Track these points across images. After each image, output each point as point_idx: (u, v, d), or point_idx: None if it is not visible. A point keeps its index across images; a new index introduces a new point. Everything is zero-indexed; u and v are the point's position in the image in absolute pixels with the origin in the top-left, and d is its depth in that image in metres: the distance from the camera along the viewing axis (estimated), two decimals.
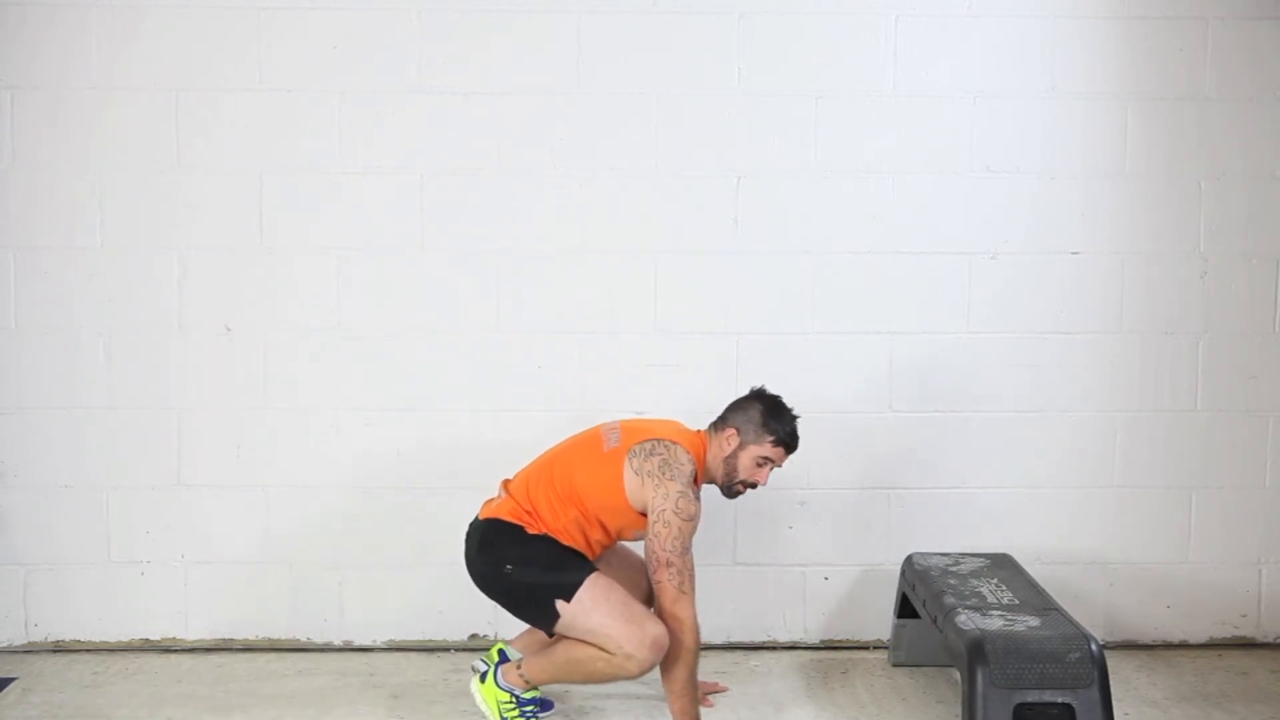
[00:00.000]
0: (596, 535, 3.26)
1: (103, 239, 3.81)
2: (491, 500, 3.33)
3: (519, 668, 3.28)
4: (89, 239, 3.81)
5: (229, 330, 3.85)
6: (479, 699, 3.30)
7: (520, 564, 3.18)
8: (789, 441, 3.32)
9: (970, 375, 3.92)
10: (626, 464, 3.19)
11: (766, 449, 3.30)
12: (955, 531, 3.93)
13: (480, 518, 3.29)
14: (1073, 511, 3.96)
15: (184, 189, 3.81)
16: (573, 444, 3.34)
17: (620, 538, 3.32)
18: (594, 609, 3.11)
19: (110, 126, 3.79)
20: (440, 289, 3.86)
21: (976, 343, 3.91)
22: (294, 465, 3.87)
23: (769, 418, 3.29)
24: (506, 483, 3.35)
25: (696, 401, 3.67)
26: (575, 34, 3.82)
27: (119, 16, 3.77)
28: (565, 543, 3.22)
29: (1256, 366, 3.94)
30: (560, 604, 3.12)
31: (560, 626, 3.16)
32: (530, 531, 3.20)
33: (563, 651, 3.20)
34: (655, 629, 3.09)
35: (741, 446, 3.29)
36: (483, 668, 3.42)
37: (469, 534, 3.31)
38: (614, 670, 3.12)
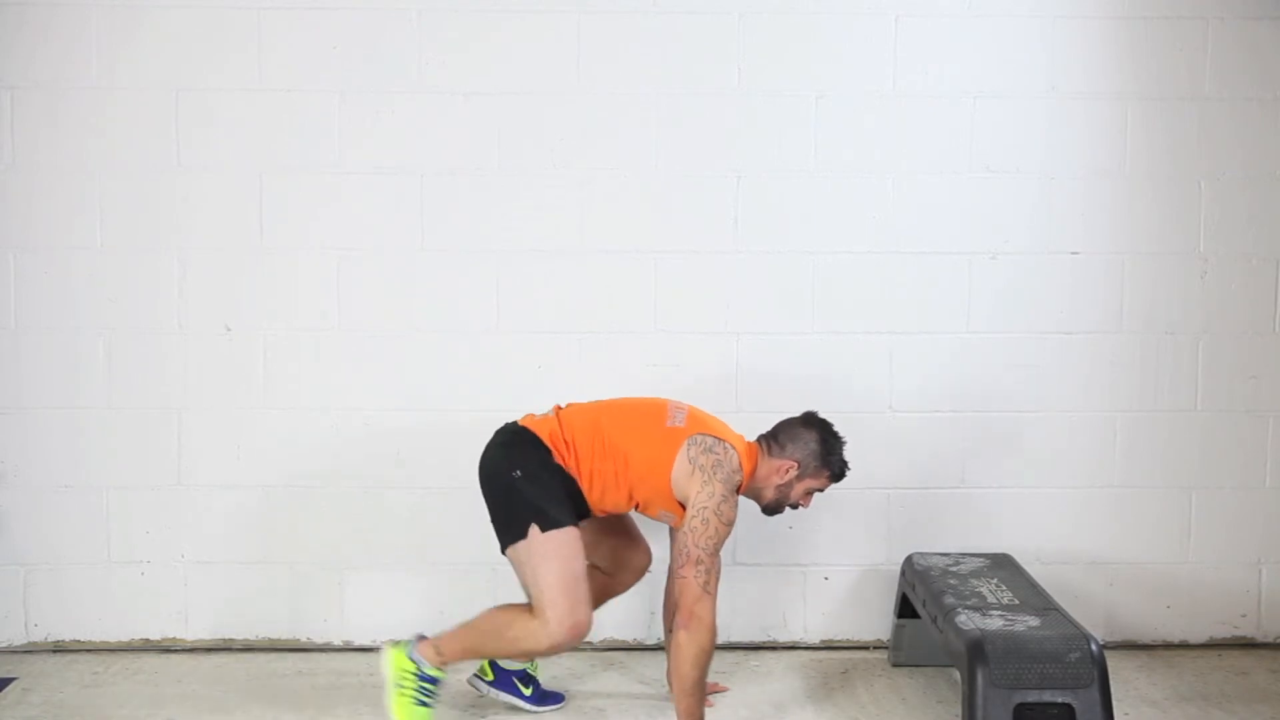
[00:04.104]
0: (619, 498, 3.24)
1: (103, 239, 3.82)
2: (535, 415, 3.33)
3: (436, 639, 3.25)
4: (89, 239, 3.81)
5: (229, 330, 3.85)
6: (384, 661, 3.25)
7: (528, 478, 3.17)
8: (842, 476, 3.36)
9: (970, 375, 3.92)
10: (683, 449, 3.18)
11: (822, 482, 3.34)
12: (955, 531, 3.93)
13: (519, 423, 3.29)
14: (1073, 511, 3.96)
15: (184, 189, 3.81)
16: (634, 406, 3.33)
17: (639, 511, 3.30)
18: (553, 558, 3.10)
19: (110, 126, 3.79)
20: (440, 288, 3.86)
21: (976, 343, 3.91)
22: (294, 465, 3.87)
23: (827, 452, 3.30)
24: (559, 409, 3.33)
25: (696, 401, 3.65)
26: (575, 33, 3.82)
27: (119, 16, 3.77)
28: (582, 487, 3.21)
29: (1256, 366, 3.94)
30: (534, 529, 3.11)
31: (518, 550, 3.14)
32: (555, 460, 3.19)
33: (483, 618, 3.21)
34: (584, 616, 3.12)
35: (799, 479, 3.31)
36: (478, 683, 3.47)
37: (500, 430, 3.31)
38: (526, 636, 3.12)
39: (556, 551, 3.12)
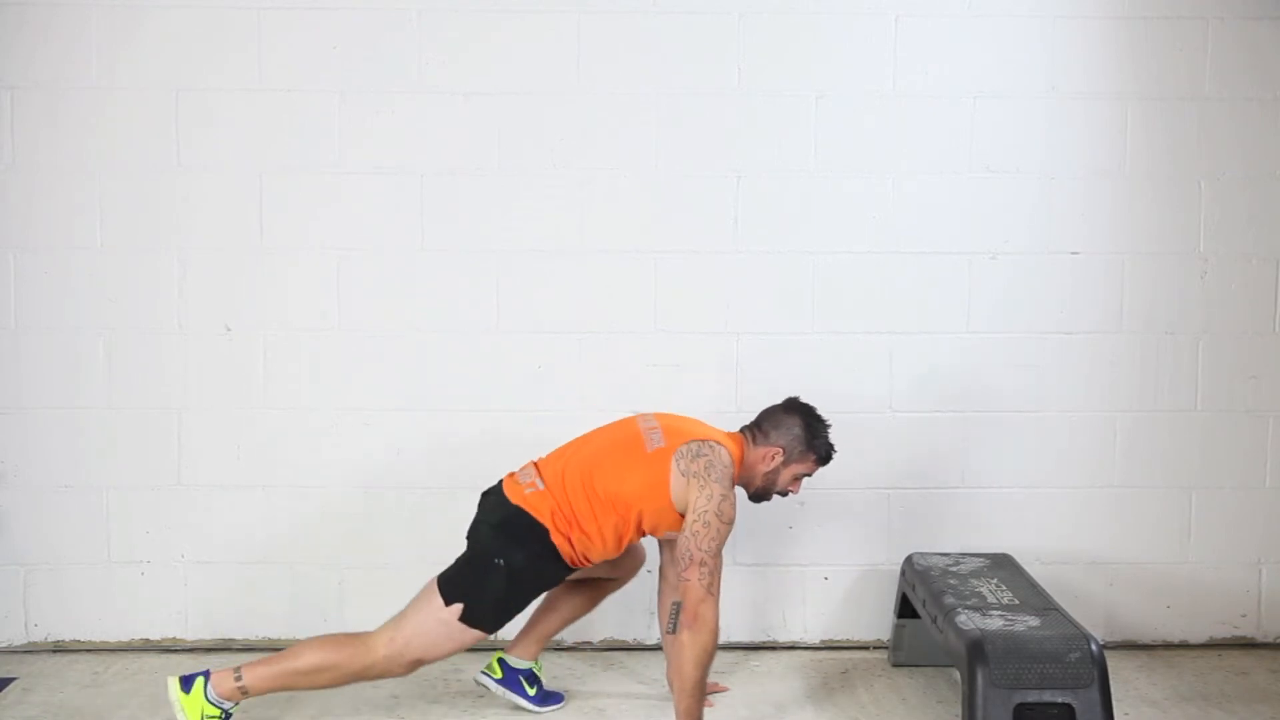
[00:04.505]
0: (630, 537, 3.25)
1: (103, 239, 3.82)
2: (519, 479, 3.27)
3: (238, 679, 3.13)
4: (89, 239, 3.81)
5: (229, 330, 3.85)
6: (176, 708, 3.12)
7: (506, 574, 3.16)
8: (828, 459, 3.36)
9: (970, 375, 3.92)
10: (673, 466, 3.17)
11: (809, 467, 3.34)
12: (955, 531, 3.93)
13: (509, 499, 3.22)
14: (1073, 511, 3.96)
15: (184, 189, 3.82)
16: (611, 444, 3.28)
17: (653, 535, 3.30)
18: (446, 638, 3.15)
19: (110, 126, 3.79)
20: (440, 289, 3.86)
21: (976, 343, 3.91)
22: (294, 465, 3.88)
23: (811, 436, 3.30)
24: (539, 467, 3.28)
25: (696, 401, 3.67)
26: (575, 34, 3.82)
27: (119, 16, 3.78)
28: (594, 547, 3.20)
29: (1256, 366, 3.94)
30: (456, 610, 3.13)
31: (431, 599, 3.16)
32: (551, 539, 3.16)
33: (310, 657, 3.17)
34: (408, 673, 3.19)
35: (785, 464, 3.30)
36: (485, 680, 3.45)
37: (494, 505, 3.25)
38: (361, 667, 3.15)
39: (452, 638, 3.16)
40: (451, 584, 3.18)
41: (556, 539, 3.17)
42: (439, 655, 3.20)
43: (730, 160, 3.86)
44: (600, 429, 3.37)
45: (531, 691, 3.46)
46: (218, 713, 3.14)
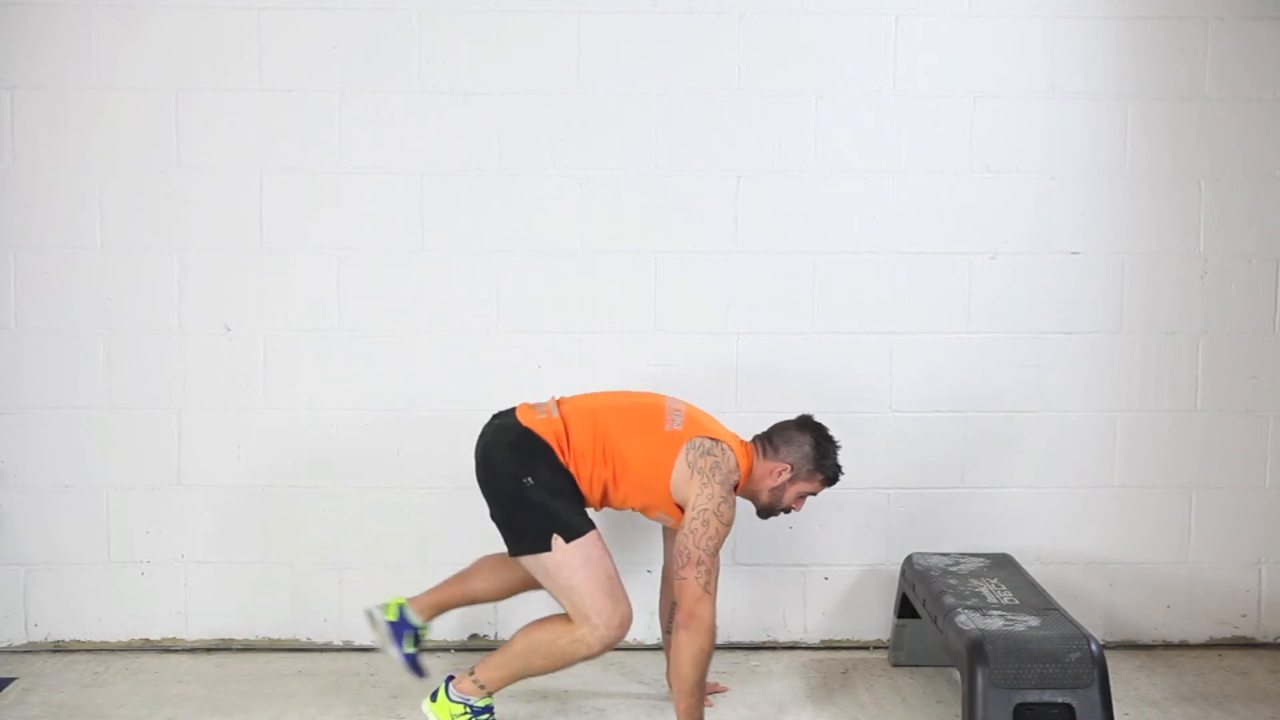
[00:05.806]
0: (617, 499, 3.24)
1: (103, 239, 3.82)
2: (535, 408, 3.27)
3: (472, 674, 3.19)
4: (89, 239, 3.81)
5: (229, 330, 3.85)
6: (430, 718, 3.21)
7: (541, 485, 3.13)
8: (835, 480, 3.34)
9: (970, 375, 3.92)
10: (682, 454, 3.17)
11: (815, 486, 3.32)
12: (955, 531, 3.93)
13: (519, 419, 3.23)
14: (1073, 511, 3.96)
15: (184, 189, 3.82)
16: (633, 406, 3.28)
17: (630, 508, 3.28)
18: (583, 566, 3.09)
19: (110, 126, 3.79)
20: (440, 289, 3.86)
21: (976, 343, 3.92)
22: (294, 465, 3.87)
23: (821, 456, 3.28)
24: (559, 402, 3.29)
25: (696, 401, 3.65)
26: (575, 33, 3.82)
27: (119, 16, 3.78)
28: (581, 489, 3.20)
29: (1256, 366, 3.95)
30: (558, 541, 3.08)
31: (543, 564, 3.10)
32: (561, 460, 3.17)
33: (520, 640, 3.15)
34: (627, 609, 3.10)
35: (792, 481, 3.29)
36: (377, 616, 3.37)
37: (500, 426, 3.25)
38: (575, 645, 3.08)
39: (585, 558, 3.10)
40: (527, 536, 3.13)
41: (562, 460, 3.17)
42: (610, 578, 3.11)
43: (730, 160, 3.86)
44: (630, 390, 3.38)
45: (409, 649, 3.39)
46: (463, 708, 3.18)
